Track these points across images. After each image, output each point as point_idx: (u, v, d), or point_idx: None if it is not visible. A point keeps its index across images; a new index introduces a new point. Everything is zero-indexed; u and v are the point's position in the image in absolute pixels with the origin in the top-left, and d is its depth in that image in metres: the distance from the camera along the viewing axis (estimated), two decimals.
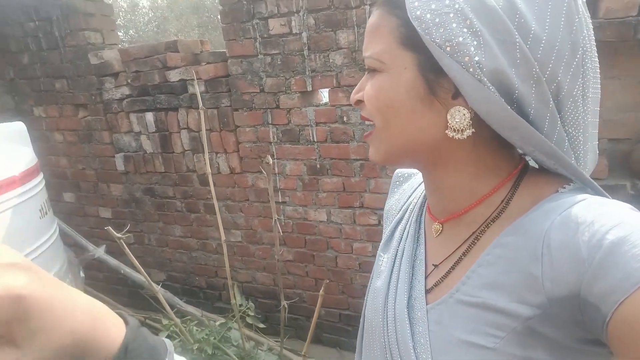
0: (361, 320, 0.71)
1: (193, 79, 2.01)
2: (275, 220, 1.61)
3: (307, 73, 2.31)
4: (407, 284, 0.60)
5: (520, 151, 0.57)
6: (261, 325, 1.91)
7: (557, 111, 0.50)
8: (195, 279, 3.11)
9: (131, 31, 16.50)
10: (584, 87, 0.51)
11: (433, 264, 0.59)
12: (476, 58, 0.46)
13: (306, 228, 2.60)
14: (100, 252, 2.43)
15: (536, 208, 0.50)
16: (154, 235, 3.14)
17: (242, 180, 2.69)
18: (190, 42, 2.62)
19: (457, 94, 0.50)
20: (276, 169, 2.56)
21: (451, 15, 0.47)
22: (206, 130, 2.66)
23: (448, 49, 0.47)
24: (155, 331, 1.89)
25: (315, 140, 2.41)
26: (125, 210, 3.17)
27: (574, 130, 0.52)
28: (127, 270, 2.43)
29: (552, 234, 0.46)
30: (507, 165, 0.55)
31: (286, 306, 1.73)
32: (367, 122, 0.59)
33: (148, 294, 2.34)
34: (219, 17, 2.49)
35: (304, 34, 2.25)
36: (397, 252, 0.65)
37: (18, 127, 2.06)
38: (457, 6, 0.47)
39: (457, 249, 0.57)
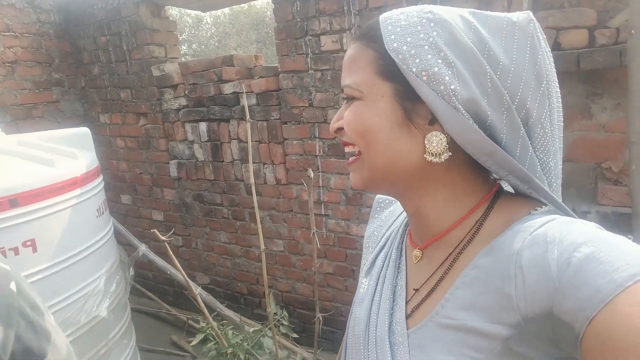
0: (343, 347, 0.71)
1: (244, 92, 2.09)
2: (313, 232, 1.63)
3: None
4: (388, 311, 0.61)
5: (495, 175, 0.59)
6: (294, 335, 1.92)
7: (528, 137, 0.53)
8: (237, 284, 3.19)
9: (194, 45, 17.33)
10: (550, 114, 0.54)
11: (414, 289, 0.61)
12: (451, 87, 0.50)
13: (348, 242, 2.61)
14: (143, 249, 2.56)
15: (509, 229, 0.51)
16: (200, 240, 3.26)
17: (287, 191, 2.75)
18: (245, 57, 2.73)
19: (433, 120, 0.53)
20: (321, 182, 2.59)
21: (426, 47, 0.51)
22: (255, 141, 2.75)
23: (424, 77, 0.51)
24: (196, 331, 1.95)
25: None
26: (175, 214, 3.32)
27: (544, 155, 0.54)
28: (173, 271, 2.54)
29: (524, 254, 0.47)
30: (482, 188, 0.58)
31: (321, 318, 1.74)
32: (347, 149, 0.60)
33: (191, 295, 2.44)
34: None
35: None
36: (378, 279, 0.67)
37: (83, 132, 2.23)
38: (431, 39, 0.51)
39: (435, 272, 0.58)
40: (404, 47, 0.51)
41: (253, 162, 2.78)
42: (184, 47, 16.34)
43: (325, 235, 2.65)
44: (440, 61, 0.50)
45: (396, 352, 0.56)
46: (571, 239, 0.44)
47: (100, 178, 2.20)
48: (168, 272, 2.44)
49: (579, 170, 1.96)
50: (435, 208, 0.58)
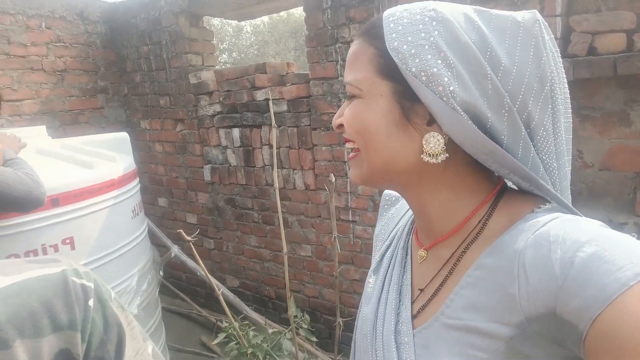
0: (352, 345, 0.72)
1: (275, 99, 2.14)
2: (334, 237, 1.65)
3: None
4: (394, 310, 0.61)
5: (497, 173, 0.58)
6: (314, 339, 1.93)
7: (530, 139, 0.52)
8: (266, 288, 3.23)
9: (234, 54, 17.78)
10: (554, 117, 0.53)
11: (419, 289, 0.61)
12: (450, 88, 0.49)
13: None
14: (175, 250, 2.64)
15: (513, 228, 0.51)
16: (231, 243, 3.33)
17: (315, 197, 2.77)
18: (278, 64, 2.79)
19: (431, 121, 0.53)
20: (348, 188, 2.60)
21: (426, 47, 0.51)
22: (286, 147, 2.79)
23: (423, 78, 0.50)
24: (220, 331, 1.99)
25: None
26: (208, 217, 3.41)
27: (547, 157, 0.53)
28: (203, 273, 2.61)
29: (527, 253, 0.47)
30: (485, 187, 0.57)
31: (341, 323, 1.74)
32: (348, 145, 0.61)
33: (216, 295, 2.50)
34: None
35: None
36: (385, 278, 0.67)
37: (122, 137, 2.34)
38: (432, 39, 0.50)
39: (439, 272, 0.58)
40: (404, 47, 0.51)
41: (283, 168, 2.83)
42: (224, 56, 16.80)
43: (352, 242, 2.65)
44: (440, 62, 0.50)
45: (402, 352, 0.57)
46: (574, 237, 0.44)
47: (137, 181, 2.30)
48: (198, 274, 2.51)
49: (617, 180, 1.89)
50: (438, 208, 0.58)
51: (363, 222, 2.60)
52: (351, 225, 2.64)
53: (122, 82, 3.65)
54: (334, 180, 1.55)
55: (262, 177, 2.99)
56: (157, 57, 3.32)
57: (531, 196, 0.55)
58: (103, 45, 3.52)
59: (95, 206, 1.92)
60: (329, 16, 2.42)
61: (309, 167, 2.73)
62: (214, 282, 1.78)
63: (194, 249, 1.58)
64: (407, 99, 0.53)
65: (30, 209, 1.49)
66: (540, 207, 0.53)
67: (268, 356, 1.67)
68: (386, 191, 0.82)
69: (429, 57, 0.50)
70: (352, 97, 0.58)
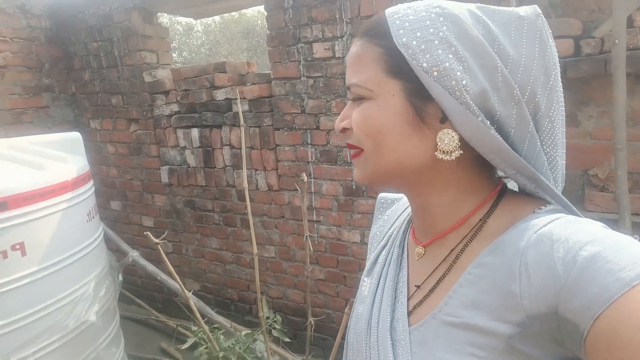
0: (345, 345, 0.71)
1: (237, 98, 2.10)
2: (307, 237, 1.64)
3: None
4: (390, 307, 0.61)
5: (500, 173, 0.59)
6: (286, 339, 1.92)
7: (536, 130, 0.53)
8: (228, 291, 3.17)
9: (184, 53, 17.33)
10: (557, 107, 0.54)
11: (415, 285, 0.60)
12: (463, 82, 0.49)
13: (339, 248, 2.62)
14: (134, 255, 2.54)
15: (514, 227, 0.51)
16: (191, 246, 3.24)
17: (279, 197, 2.75)
18: (238, 64, 2.75)
19: (444, 118, 0.53)
20: (312, 188, 2.60)
21: (436, 42, 0.50)
22: (247, 147, 2.75)
23: (435, 73, 0.50)
24: (185, 338, 1.93)
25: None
26: (166, 220, 3.30)
27: (551, 150, 0.54)
28: (163, 277, 2.52)
29: (529, 252, 0.47)
30: (487, 186, 0.58)
31: (313, 323, 1.74)
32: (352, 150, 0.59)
33: (181, 302, 2.41)
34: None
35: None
36: (380, 277, 0.66)
37: (74, 137, 2.22)
38: (441, 34, 0.50)
39: (436, 269, 0.58)
40: (414, 42, 0.50)
41: (240, 169, 2.78)
42: (174, 55, 16.33)
43: (317, 242, 2.66)
44: (451, 56, 0.49)
45: (398, 349, 0.56)
46: (577, 237, 0.44)
47: (91, 183, 2.19)
48: (158, 278, 2.42)
49: (567, 177, 2.00)
50: (442, 205, 0.58)
51: (327, 222, 2.61)
52: (315, 225, 2.65)
53: (69, 80, 3.46)
54: (305, 179, 1.54)
55: (222, 179, 2.93)
56: (108, 54, 3.17)
57: (531, 198, 0.56)
58: (47, 40, 3.32)
59: (47, 210, 1.80)
60: (291, 16, 2.42)
61: (272, 167, 2.71)
62: (181, 285, 1.72)
63: (162, 251, 1.52)
64: (418, 97, 0.52)
65: None
66: (541, 209, 0.53)
67: (240, 359, 1.63)
68: (382, 194, 0.82)
69: (440, 52, 0.50)
70: (359, 99, 0.56)
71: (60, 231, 1.85)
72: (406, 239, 0.68)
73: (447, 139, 0.52)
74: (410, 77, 0.52)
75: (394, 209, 0.78)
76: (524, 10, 0.53)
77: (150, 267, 2.56)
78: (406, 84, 0.52)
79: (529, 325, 0.45)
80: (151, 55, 3.10)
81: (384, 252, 0.70)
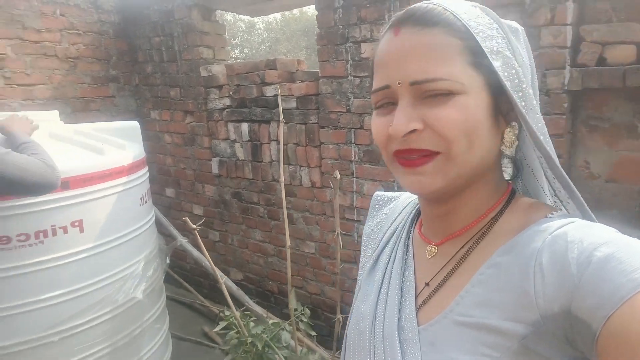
0: (343, 344, 0.70)
1: (284, 95, 2.17)
2: (337, 233, 1.67)
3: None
4: (397, 306, 0.60)
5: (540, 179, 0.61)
6: (313, 333, 1.95)
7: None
8: (269, 283, 3.26)
9: (245, 49, 17.83)
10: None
11: (425, 283, 0.60)
12: (523, 78, 0.52)
13: None
14: (182, 241, 2.67)
15: (528, 229, 0.52)
16: (236, 237, 3.36)
17: (321, 194, 2.80)
18: (288, 61, 2.82)
19: (510, 113, 0.55)
20: (354, 188, 2.63)
21: (499, 40, 0.53)
22: (293, 144, 2.82)
23: (505, 73, 0.52)
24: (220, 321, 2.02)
25: None
26: (214, 210, 3.44)
27: (550, 148, 0.55)
28: (207, 263, 2.64)
29: (544, 252, 0.47)
30: (502, 188, 0.60)
31: (341, 319, 1.77)
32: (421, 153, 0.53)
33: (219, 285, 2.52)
34: None
35: None
36: (384, 275, 0.65)
37: (133, 126, 2.38)
38: (494, 25, 0.54)
39: (444, 266, 0.58)
40: (492, 42, 0.51)
41: (290, 164, 2.85)
42: (236, 51, 16.83)
43: (355, 241, 2.68)
44: (510, 54, 0.52)
45: (406, 349, 0.55)
46: (592, 239, 0.45)
47: (146, 169, 2.33)
48: (203, 264, 2.54)
49: (624, 192, 1.89)
50: (471, 205, 0.57)
51: None
52: (355, 224, 2.67)
53: (133, 71, 3.69)
54: (338, 177, 1.57)
55: (268, 173, 3.02)
56: (169, 48, 3.36)
57: (541, 203, 0.57)
58: (115, 34, 3.55)
59: (105, 191, 1.95)
60: (341, 15, 2.45)
61: (316, 164, 2.76)
62: (218, 272, 1.81)
63: (199, 237, 1.60)
64: (496, 91, 0.52)
65: (44, 193, 1.53)
66: (552, 214, 0.53)
67: (267, 347, 1.69)
68: (378, 192, 0.83)
69: (507, 53, 0.52)
70: (441, 95, 0.51)
71: (115, 212, 2.00)
72: (410, 238, 0.67)
73: (512, 132, 0.55)
74: (486, 71, 0.51)
75: (392, 207, 0.77)
76: (514, 23, 0.57)
77: (196, 253, 2.69)
78: (486, 78, 0.52)
79: (543, 324, 0.45)
80: (208, 50, 3.25)
81: (386, 251, 0.69)
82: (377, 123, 0.56)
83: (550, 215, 0.53)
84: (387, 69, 0.53)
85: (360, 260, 0.77)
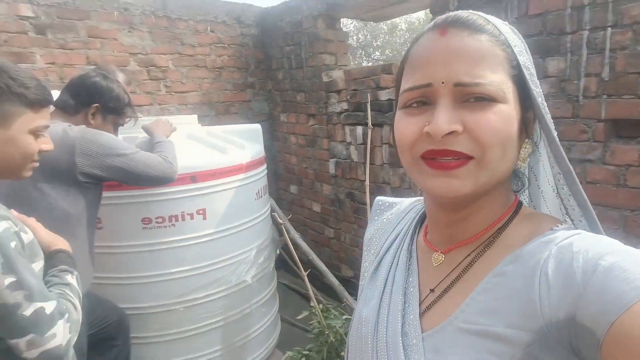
0: (346, 349, 0.70)
1: (368, 102, 2.21)
2: None
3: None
4: (400, 312, 0.60)
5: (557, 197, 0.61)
6: None
7: None
8: None
9: (387, 51, 17.94)
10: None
11: (430, 289, 0.60)
12: (542, 96, 0.55)
13: None
14: (295, 235, 2.88)
15: (533, 240, 0.52)
16: (348, 235, 3.50)
17: None
18: None
19: (530, 127, 0.58)
20: None
21: (523, 47, 0.56)
22: None
23: (536, 89, 0.55)
24: (329, 316, 2.13)
25: None
26: (330, 208, 3.63)
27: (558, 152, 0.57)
28: (314, 257, 2.82)
29: (549, 262, 0.48)
30: (511, 197, 0.60)
31: None
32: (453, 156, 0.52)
33: (326, 282, 2.66)
34: None
35: None
36: (386, 280, 0.66)
37: (254, 128, 2.66)
38: (522, 42, 0.57)
39: (450, 273, 0.58)
40: (521, 57, 0.54)
41: (400, 167, 2.88)
42: (377, 53, 17.01)
43: None
44: (534, 71, 0.55)
45: (410, 355, 0.55)
46: (597, 249, 0.45)
47: (264, 167, 2.60)
48: (310, 257, 2.72)
49: None
50: (482, 215, 0.58)
51: None
52: None
53: (267, 78, 4.08)
54: None
55: (379, 175, 3.08)
56: (297, 56, 3.64)
57: (547, 215, 0.57)
58: (254, 45, 3.97)
59: (225, 185, 2.25)
60: None
61: None
62: (298, 265, 1.94)
63: (284, 230, 1.76)
64: (525, 105, 0.55)
65: (164, 184, 1.87)
66: (558, 226, 0.54)
67: (339, 339, 1.77)
68: (379, 197, 0.83)
69: (533, 70, 0.55)
70: (482, 99, 0.51)
71: (233, 204, 2.29)
72: (414, 244, 0.68)
73: (528, 147, 0.58)
74: (519, 83, 0.54)
75: (394, 212, 0.78)
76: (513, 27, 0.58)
77: (305, 247, 2.89)
78: (519, 91, 0.54)
79: (548, 332, 0.46)
80: (330, 57, 3.44)
81: (388, 256, 0.70)
82: (406, 122, 0.55)
83: (556, 227, 0.54)
84: (430, 67, 0.53)
85: (362, 264, 0.78)
